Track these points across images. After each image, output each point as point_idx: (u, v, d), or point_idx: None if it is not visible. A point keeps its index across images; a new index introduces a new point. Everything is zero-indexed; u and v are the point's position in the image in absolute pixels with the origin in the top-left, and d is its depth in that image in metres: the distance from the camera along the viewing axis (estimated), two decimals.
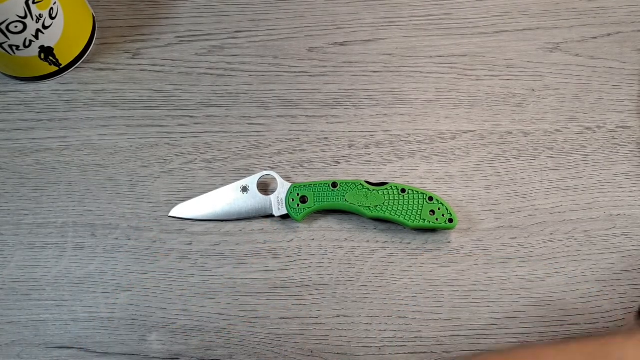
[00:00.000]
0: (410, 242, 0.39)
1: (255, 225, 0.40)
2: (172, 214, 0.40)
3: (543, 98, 0.44)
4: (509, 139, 0.42)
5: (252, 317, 0.38)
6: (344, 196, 0.39)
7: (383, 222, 0.40)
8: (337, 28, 0.47)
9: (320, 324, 0.37)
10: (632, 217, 0.40)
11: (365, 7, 0.48)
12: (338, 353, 0.37)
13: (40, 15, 0.39)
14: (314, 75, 0.45)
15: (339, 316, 0.38)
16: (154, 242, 0.40)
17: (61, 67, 0.44)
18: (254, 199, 0.40)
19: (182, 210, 0.40)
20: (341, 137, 0.43)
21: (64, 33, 0.42)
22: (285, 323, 0.38)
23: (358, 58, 0.46)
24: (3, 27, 0.38)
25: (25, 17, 0.38)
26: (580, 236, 0.39)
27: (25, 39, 0.40)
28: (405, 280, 0.38)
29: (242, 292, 0.38)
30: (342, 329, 0.37)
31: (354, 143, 0.43)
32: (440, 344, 0.37)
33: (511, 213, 0.40)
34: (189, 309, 0.38)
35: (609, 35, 0.46)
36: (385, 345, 0.37)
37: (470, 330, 0.37)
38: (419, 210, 0.38)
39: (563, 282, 0.38)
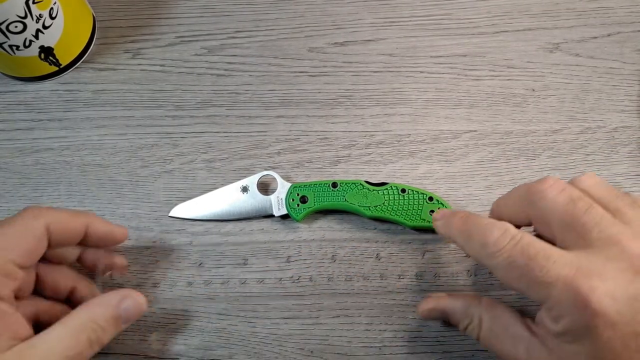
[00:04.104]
0: (410, 242, 0.39)
1: (255, 225, 0.40)
2: (172, 214, 0.40)
3: (543, 98, 0.44)
4: (509, 139, 0.42)
5: (252, 317, 0.38)
6: (344, 196, 0.39)
7: (383, 222, 0.40)
8: (337, 28, 0.47)
9: (320, 324, 0.37)
10: None
11: (365, 7, 0.48)
12: (338, 353, 0.37)
13: (40, 15, 0.39)
14: (314, 75, 0.45)
15: (339, 316, 0.38)
16: (154, 242, 0.40)
17: (61, 67, 0.44)
18: (254, 199, 0.40)
19: (182, 210, 0.40)
20: (341, 137, 0.43)
21: (64, 33, 0.42)
22: (285, 323, 0.38)
23: (358, 58, 0.46)
24: (3, 27, 0.38)
25: (25, 17, 0.38)
26: None
27: (25, 39, 0.40)
28: (405, 280, 0.38)
29: (242, 292, 0.38)
30: (342, 329, 0.37)
31: (354, 143, 0.43)
32: (441, 344, 0.37)
33: None
34: (189, 309, 0.38)
35: (609, 35, 0.46)
36: (385, 345, 0.37)
37: None
38: (418, 210, 0.38)
39: None
